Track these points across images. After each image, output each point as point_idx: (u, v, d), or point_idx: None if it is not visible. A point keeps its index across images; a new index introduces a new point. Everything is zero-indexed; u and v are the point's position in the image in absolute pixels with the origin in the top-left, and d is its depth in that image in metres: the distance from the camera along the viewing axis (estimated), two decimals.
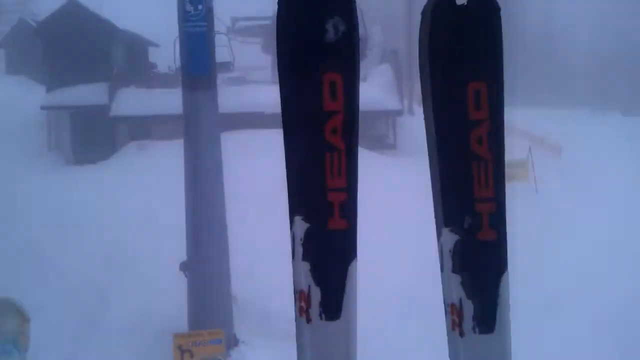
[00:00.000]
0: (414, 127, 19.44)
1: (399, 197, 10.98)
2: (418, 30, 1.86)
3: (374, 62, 21.67)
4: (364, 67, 19.02)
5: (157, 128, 17.20)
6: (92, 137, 17.62)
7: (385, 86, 17.17)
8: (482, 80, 1.80)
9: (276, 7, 1.91)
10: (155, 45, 22.01)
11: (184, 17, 5.87)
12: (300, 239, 1.97)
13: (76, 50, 18.23)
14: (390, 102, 16.67)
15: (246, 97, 16.35)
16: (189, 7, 5.85)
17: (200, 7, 5.83)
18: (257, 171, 11.79)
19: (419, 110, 24.37)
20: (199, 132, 8.15)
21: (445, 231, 1.99)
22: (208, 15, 5.93)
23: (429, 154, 1.98)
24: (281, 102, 1.92)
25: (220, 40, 15.99)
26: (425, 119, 1.94)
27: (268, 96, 13.34)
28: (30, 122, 19.28)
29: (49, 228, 11.40)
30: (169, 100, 13.89)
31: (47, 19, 20.40)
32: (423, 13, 1.83)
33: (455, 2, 1.77)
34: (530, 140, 20.03)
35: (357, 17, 1.89)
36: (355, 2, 1.89)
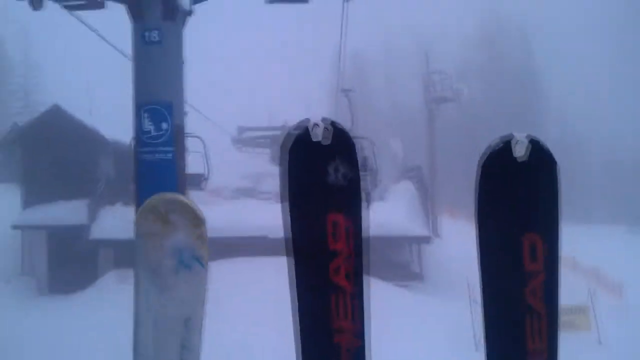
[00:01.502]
0: (442, 253, 19.32)
1: (427, 342, 10.87)
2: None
3: (394, 178, 22.00)
4: (383, 184, 19.36)
5: None
6: (71, 263, 17.35)
7: (408, 206, 17.09)
8: (537, 232, 2.08)
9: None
10: None
11: (141, 140, 4.72)
12: None
13: (58, 162, 18.47)
14: (416, 226, 16.47)
15: (250, 217, 16.08)
16: (147, 126, 4.68)
17: (164, 125, 4.65)
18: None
19: (446, 230, 24.15)
20: None
21: None
22: (178, 137, 4.75)
23: (483, 303, 2.21)
24: (292, 242, 2.23)
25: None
26: (480, 265, 2.19)
27: (275, 216, 13.25)
28: (5, 239, 19.38)
29: None
30: None
31: (27, 125, 20.86)
32: (483, 166, 2.13)
33: (513, 156, 2.08)
34: (585, 275, 19.79)
35: (357, 162, 2.24)
36: (355, 148, 2.25)
